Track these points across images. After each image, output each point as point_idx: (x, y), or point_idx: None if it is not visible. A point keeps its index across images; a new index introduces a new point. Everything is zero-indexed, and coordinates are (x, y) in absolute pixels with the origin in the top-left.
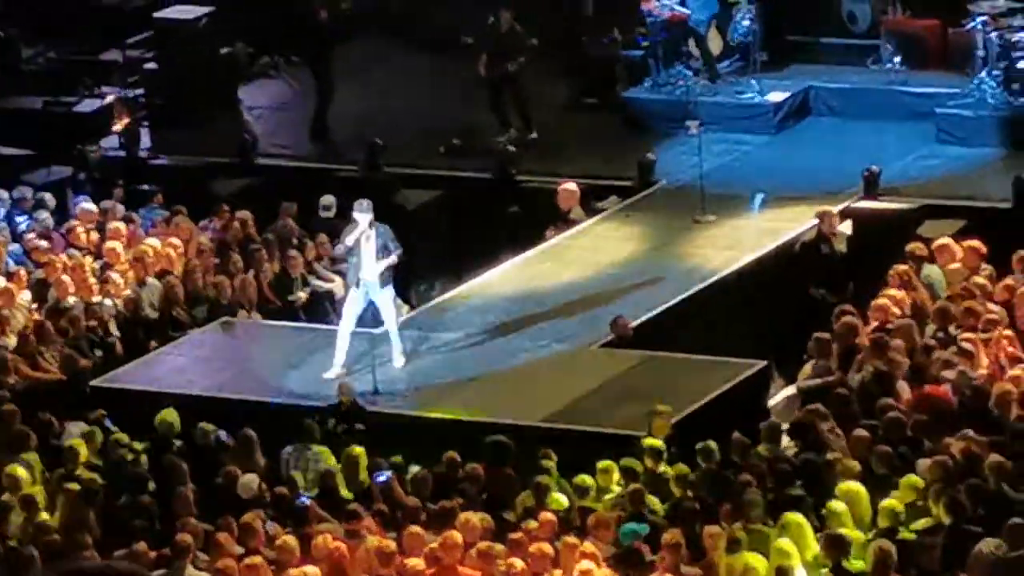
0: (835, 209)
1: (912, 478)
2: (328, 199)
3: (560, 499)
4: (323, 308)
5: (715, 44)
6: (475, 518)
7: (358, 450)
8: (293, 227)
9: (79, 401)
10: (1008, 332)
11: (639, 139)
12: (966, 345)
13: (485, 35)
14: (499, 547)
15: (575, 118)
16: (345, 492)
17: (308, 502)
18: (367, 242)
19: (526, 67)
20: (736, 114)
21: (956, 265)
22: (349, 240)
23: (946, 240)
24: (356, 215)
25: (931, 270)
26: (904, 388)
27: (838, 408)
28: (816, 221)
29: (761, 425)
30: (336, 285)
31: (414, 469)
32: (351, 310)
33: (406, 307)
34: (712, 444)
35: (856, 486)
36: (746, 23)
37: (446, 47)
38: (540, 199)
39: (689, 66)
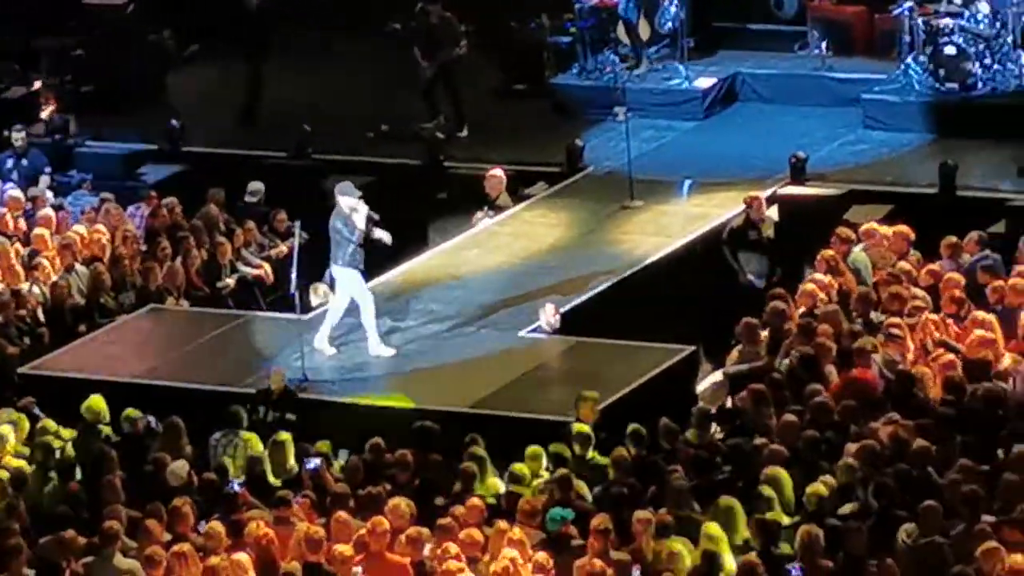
0: (763, 195)
1: (847, 460)
2: (255, 185)
3: (497, 484)
4: (251, 294)
5: (643, 31)
6: (404, 504)
7: (285, 436)
8: (220, 214)
9: (7, 388)
10: (933, 317)
11: (567, 125)
12: (894, 330)
13: (417, 25)
14: (427, 532)
15: (503, 104)
16: (273, 479)
17: (238, 488)
18: (341, 226)
19: (460, 58)
20: (664, 100)
21: (882, 250)
22: (362, 224)
23: (873, 225)
24: (350, 199)
25: (857, 255)
26: (832, 373)
27: (767, 393)
28: (744, 207)
29: (692, 410)
30: (263, 271)
31: (343, 455)
32: (345, 294)
33: (329, 293)
34: (641, 429)
35: (780, 471)
36: (673, 10)
37: (374, 33)
38: (468, 185)
39: (617, 52)
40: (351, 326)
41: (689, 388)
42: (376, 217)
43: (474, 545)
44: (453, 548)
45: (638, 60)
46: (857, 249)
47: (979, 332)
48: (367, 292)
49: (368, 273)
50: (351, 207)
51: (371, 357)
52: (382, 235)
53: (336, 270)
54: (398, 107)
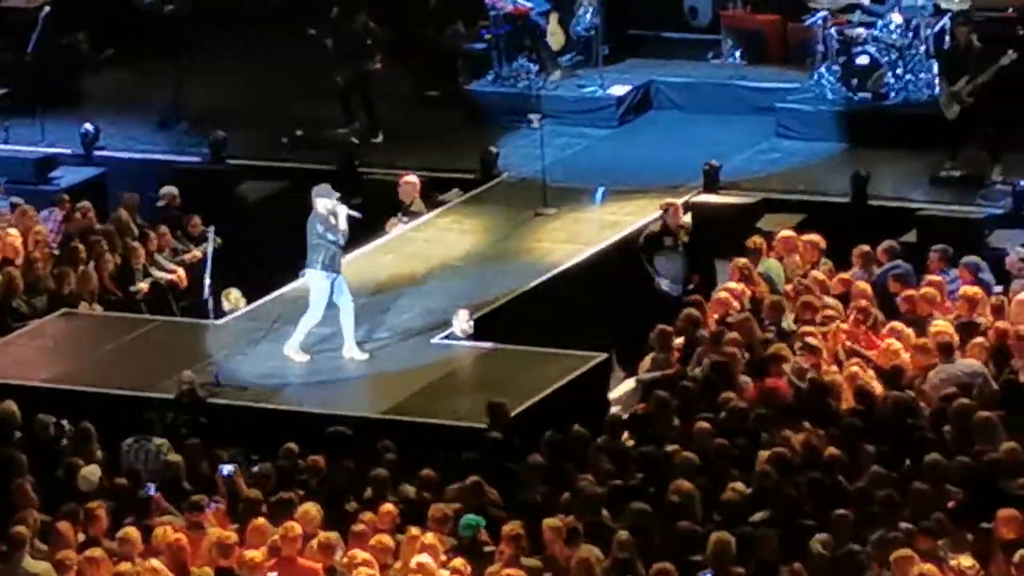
0: (679, 202)
1: (761, 467)
2: (169, 190)
3: (409, 491)
4: (164, 299)
5: (557, 38)
6: (314, 509)
7: (197, 442)
8: (134, 218)
9: None
10: (844, 326)
11: (481, 132)
12: (811, 340)
13: (336, 32)
14: (339, 538)
15: (418, 111)
16: (186, 484)
17: (153, 493)
18: (314, 228)
19: (378, 67)
20: (578, 107)
21: (795, 259)
22: (345, 225)
23: (785, 234)
24: (328, 201)
25: (769, 264)
26: (744, 381)
27: (679, 401)
28: (660, 213)
29: (605, 417)
30: (177, 276)
31: (254, 460)
32: (323, 300)
33: (241, 299)
34: (555, 435)
35: (691, 479)
36: (588, 17)
37: (290, 38)
38: (383, 191)
39: (532, 59)
40: (262, 330)
41: (602, 395)
42: (358, 216)
43: (386, 551)
44: (360, 555)
45: (543, 65)
46: (769, 258)
47: (890, 341)
48: (325, 304)
49: (282, 279)
50: (329, 210)
51: (285, 362)
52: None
53: (311, 274)
54: (314, 112)
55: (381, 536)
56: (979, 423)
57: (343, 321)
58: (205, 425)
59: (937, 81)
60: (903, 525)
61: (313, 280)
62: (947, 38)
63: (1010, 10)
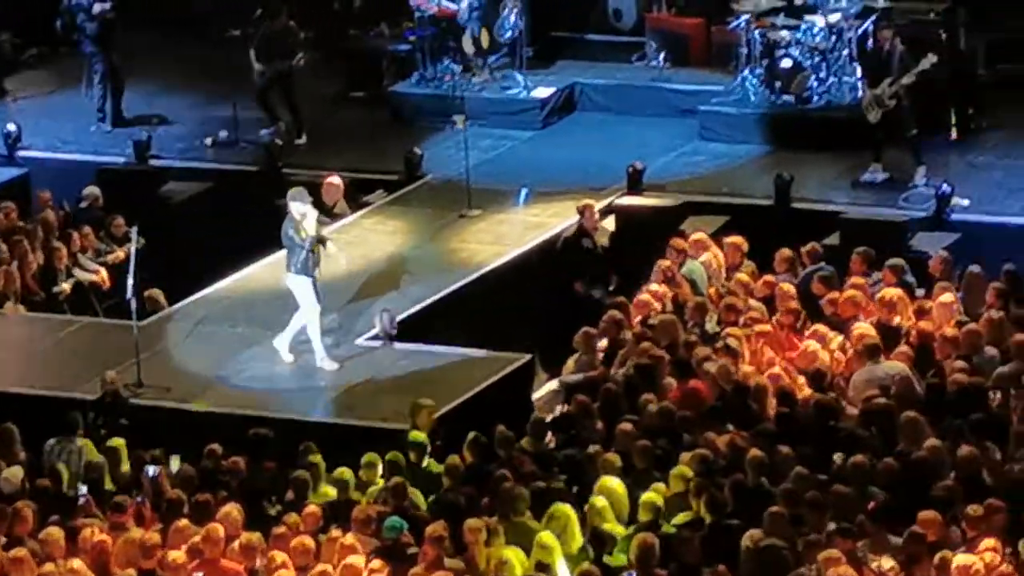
0: (596, 203)
1: (682, 468)
2: (92, 190)
3: (329, 491)
4: (87, 300)
5: (482, 39)
6: (235, 511)
7: (119, 442)
8: (57, 219)
9: None
10: (767, 328)
11: (406, 133)
12: (732, 342)
13: (258, 30)
14: (261, 540)
15: (342, 111)
16: (108, 485)
17: (86, 496)
18: (292, 232)
19: (300, 65)
20: (502, 109)
21: (717, 260)
22: (312, 229)
23: (697, 236)
24: (300, 205)
25: (692, 266)
26: (668, 383)
27: (603, 402)
28: (577, 216)
29: (530, 420)
30: (100, 277)
31: (175, 461)
32: (315, 299)
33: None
34: (479, 437)
35: (613, 481)
36: (513, 19)
37: (214, 39)
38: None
39: (456, 61)
40: (186, 331)
41: (525, 397)
42: (327, 221)
43: (306, 553)
44: (280, 556)
45: (467, 66)
46: (692, 260)
47: (808, 343)
48: (316, 303)
49: (206, 280)
50: (301, 213)
51: (208, 363)
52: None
53: (289, 277)
54: (237, 113)
55: (302, 538)
56: (903, 424)
57: (293, 320)
58: (126, 425)
59: (860, 85)
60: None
61: (291, 283)
62: (870, 41)
63: (932, 14)
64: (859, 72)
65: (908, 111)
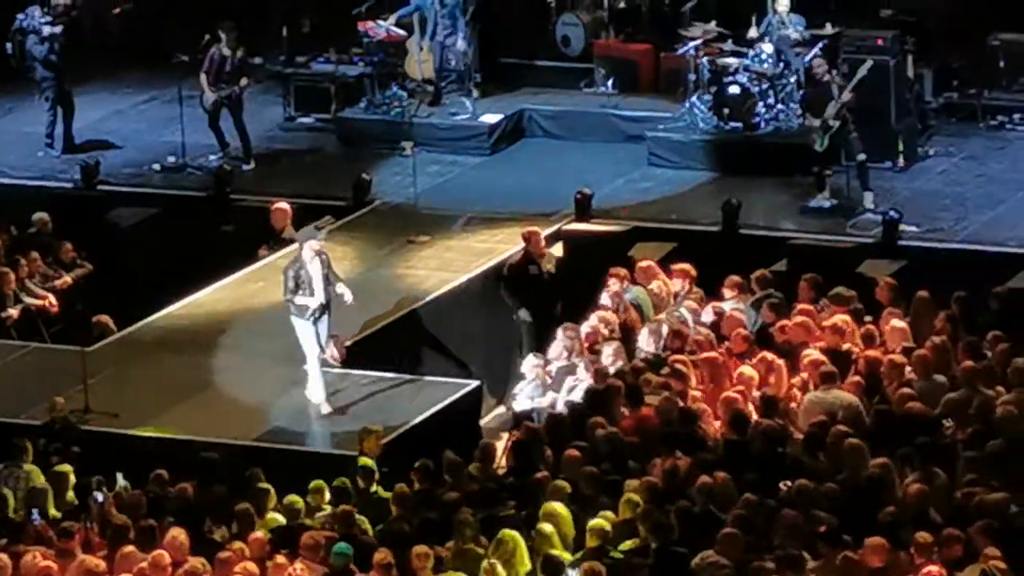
0: (543, 230)
1: (630, 495)
2: (40, 216)
3: (276, 518)
4: (35, 325)
5: (428, 65)
6: (182, 536)
7: (66, 468)
8: (3, 243)
9: None
10: (715, 354)
11: (354, 159)
12: (679, 367)
13: (208, 56)
14: (206, 565)
15: (290, 137)
16: (54, 511)
17: (39, 521)
18: (316, 271)
19: (249, 89)
20: (451, 135)
21: (666, 287)
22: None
23: (644, 264)
24: (309, 241)
25: (638, 292)
26: (617, 409)
27: (551, 429)
28: (523, 242)
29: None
30: (47, 302)
31: (121, 486)
32: (313, 344)
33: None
34: (427, 463)
35: (559, 507)
36: (461, 45)
37: (162, 64)
38: (255, 218)
39: (404, 87)
40: (135, 357)
41: (474, 422)
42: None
43: None
44: None
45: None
46: (638, 286)
47: (743, 370)
48: (311, 348)
49: (154, 306)
50: (315, 251)
51: (157, 388)
52: (344, 292)
53: (292, 319)
54: (185, 138)
55: (246, 564)
56: (847, 451)
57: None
58: (74, 451)
59: (801, 115)
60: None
61: (295, 324)
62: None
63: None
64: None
65: (856, 136)
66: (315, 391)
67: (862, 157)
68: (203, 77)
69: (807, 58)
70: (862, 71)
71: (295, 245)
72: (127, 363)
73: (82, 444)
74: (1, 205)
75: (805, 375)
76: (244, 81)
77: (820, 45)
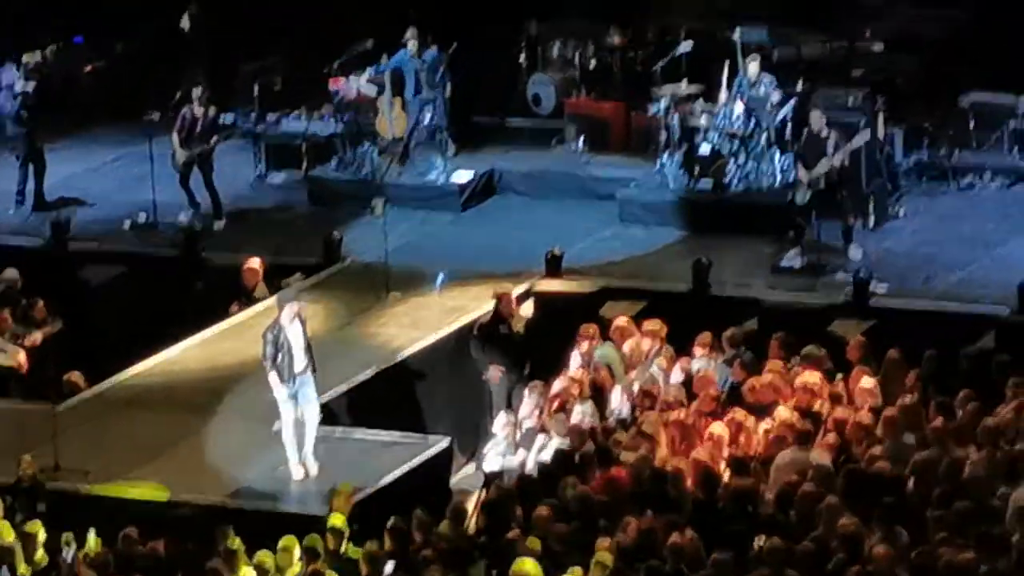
0: (513, 290)
1: (602, 554)
2: (10, 273)
3: (249, 575)
4: (4, 383)
5: (400, 124)
6: None
7: (36, 526)
8: None
9: None
10: (685, 413)
11: (325, 217)
12: (647, 427)
13: (179, 114)
14: None
15: (261, 195)
16: (23, 569)
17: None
18: (296, 334)
19: (219, 146)
20: (422, 194)
21: (631, 346)
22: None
23: (620, 322)
24: (289, 304)
25: (608, 351)
26: (588, 467)
27: (521, 488)
28: (494, 302)
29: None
30: (17, 361)
31: (91, 544)
32: (289, 409)
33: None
34: (399, 522)
35: (530, 566)
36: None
37: (133, 122)
38: (225, 276)
39: (375, 145)
40: (105, 415)
41: (444, 481)
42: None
43: None
44: None
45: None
46: (607, 345)
47: (713, 428)
48: (288, 411)
49: (125, 363)
50: (293, 314)
51: (127, 447)
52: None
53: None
54: (156, 196)
55: None
56: (821, 510)
57: (295, 432)
58: (43, 510)
59: (794, 167)
60: None
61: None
62: (789, 127)
63: (851, 99)
64: (778, 158)
65: (846, 198)
66: (290, 454)
67: (851, 222)
68: (174, 136)
69: (777, 118)
70: (858, 140)
71: (267, 302)
72: (97, 421)
73: (51, 502)
74: None
75: (773, 433)
76: (215, 139)
77: (791, 104)
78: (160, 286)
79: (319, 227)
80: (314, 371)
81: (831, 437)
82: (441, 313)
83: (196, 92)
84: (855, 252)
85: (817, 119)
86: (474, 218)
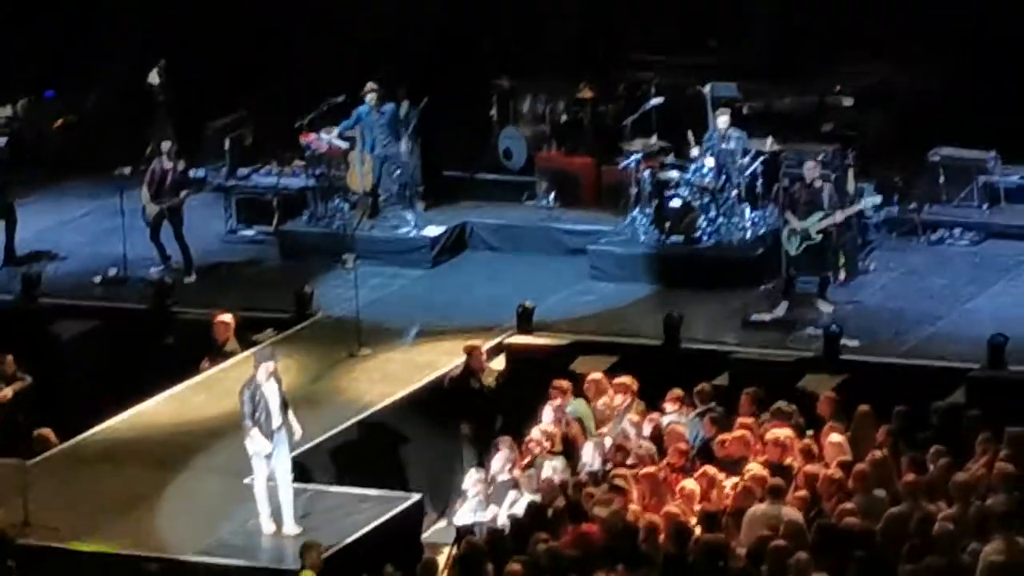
0: (484, 344)
1: None
2: None
3: None
4: None
5: (370, 178)
6: None
7: None
8: None
9: None
10: (656, 469)
11: (296, 271)
12: (619, 482)
13: (149, 169)
14: None
15: (232, 249)
16: None
17: None
18: (271, 392)
19: (189, 200)
20: (393, 248)
21: (604, 401)
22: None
23: (594, 377)
24: (265, 363)
25: (579, 405)
26: (559, 523)
27: (492, 544)
28: (465, 356)
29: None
30: None
31: None
32: (262, 465)
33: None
34: None
35: None
36: (403, 158)
37: (104, 177)
38: (196, 330)
39: (347, 199)
40: (74, 470)
41: (415, 537)
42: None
43: None
44: None
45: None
46: (579, 400)
47: (684, 484)
48: (260, 466)
49: (96, 419)
50: (269, 373)
51: (97, 502)
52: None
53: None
54: (127, 251)
55: None
56: (792, 565)
57: (267, 486)
58: (12, 566)
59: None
60: None
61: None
62: (760, 181)
63: (821, 155)
64: (748, 213)
65: (832, 255)
66: (261, 508)
67: (827, 275)
68: (144, 190)
69: (747, 172)
70: (867, 203)
71: (238, 357)
72: (68, 476)
73: (20, 558)
74: None
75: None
76: (184, 193)
77: (761, 160)
78: (130, 341)
79: (290, 281)
80: (291, 432)
81: (802, 492)
82: (412, 368)
83: (165, 146)
84: (825, 307)
85: (811, 170)
86: (445, 272)
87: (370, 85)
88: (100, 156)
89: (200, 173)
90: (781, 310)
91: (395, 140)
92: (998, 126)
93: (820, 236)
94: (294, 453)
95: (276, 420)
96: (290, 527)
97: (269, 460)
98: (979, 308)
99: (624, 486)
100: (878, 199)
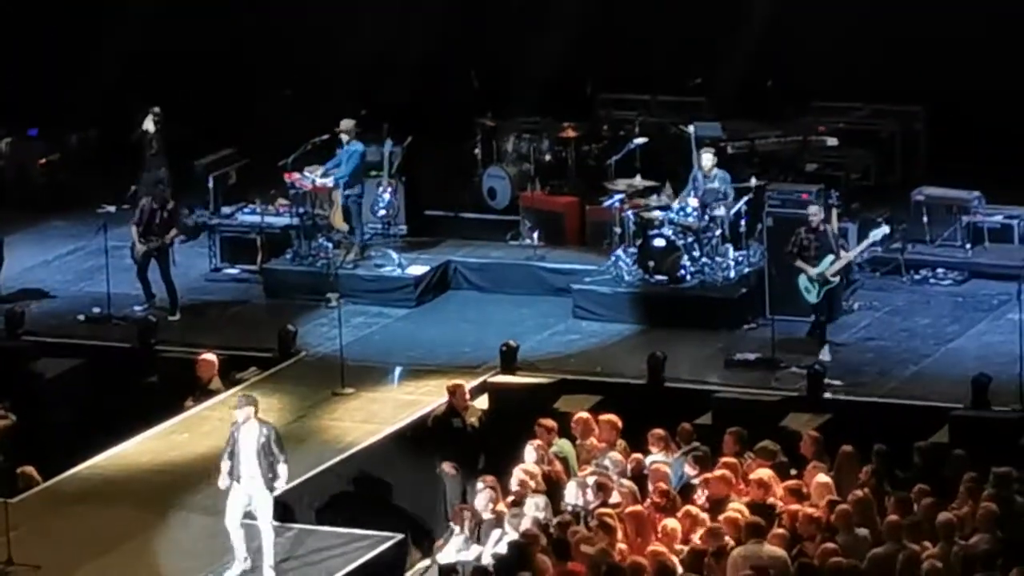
0: (467, 383)
1: None
2: None
3: None
4: None
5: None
6: None
7: None
8: None
9: None
10: (639, 508)
11: (280, 310)
12: (607, 520)
13: (139, 207)
14: None
15: (216, 288)
16: None
17: None
18: (247, 437)
19: (177, 241)
20: (376, 287)
21: (591, 440)
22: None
23: (581, 415)
24: (237, 408)
25: (563, 445)
26: (545, 562)
27: None
28: (448, 395)
29: None
30: None
31: None
32: (234, 505)
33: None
34: None
35: None
36: (387, 197)
37: (87, 215)
38: (180, 369)
39: (330, 239)
40: (57, 508)
41: None
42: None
43: None
44: None
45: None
46: (562, 439)
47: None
48: (235, 499)
49: (79, 457)
50: (243, 419)
51: (79, 541)
52: (281, 472)
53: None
54: (111, 289)
55: None
56: None
57: (241, 523)
58: None
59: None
60: None
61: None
62: (743, 221)
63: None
64: (732, 253)
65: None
66: (236, 543)
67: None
68: (133, 229)
69: (732, 211)
70: (876, 235)
71: (222, 396)
72: (51, 515)
73: None
74: None
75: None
76: (173, 232)
77: (745, 200)
78: (114, 379)
79: (273, 320)
80: (273, 478)
81: (785, 531)
82: (395, 407)
83: (159, 182)
84: (826, 355)
85: (815, 214)
86: (429, 312)
87: (345, 123)
88: (83, 194)
89: (184, 211)
90: (826, 354)
91: (358, 181)
92: (981, 166)
93: (837, 278)
94: (277, 492)
95: (248, 465)
96: (268, 574)
97: (246, 500)
98: (962, 348)
99: (609, 524)
100: (887, 229)
